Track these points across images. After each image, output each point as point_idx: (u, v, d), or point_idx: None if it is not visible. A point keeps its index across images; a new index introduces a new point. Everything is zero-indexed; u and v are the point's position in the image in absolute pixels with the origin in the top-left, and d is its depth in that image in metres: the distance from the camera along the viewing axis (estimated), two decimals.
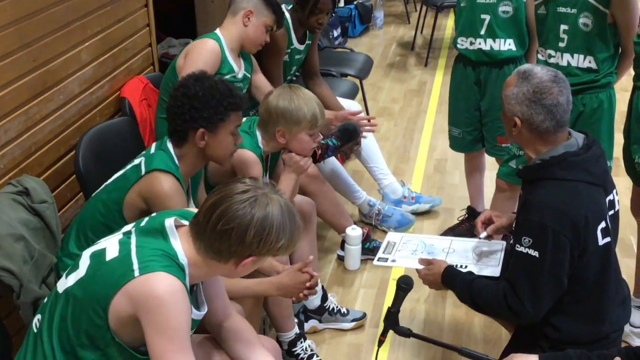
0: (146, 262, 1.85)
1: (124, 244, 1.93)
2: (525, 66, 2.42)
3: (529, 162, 2.43)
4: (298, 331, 2.98)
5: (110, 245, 1.96)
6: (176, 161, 2.49)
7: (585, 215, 2.26)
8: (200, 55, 3.17)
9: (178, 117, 2.45)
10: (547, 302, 2.33)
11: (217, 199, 1.89)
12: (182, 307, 1.83)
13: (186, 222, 1.99)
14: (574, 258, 2.28)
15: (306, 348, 2.98)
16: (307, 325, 3.24)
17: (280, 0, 3.53)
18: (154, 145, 2.59)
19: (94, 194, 2.61)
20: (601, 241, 2.32)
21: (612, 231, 2.39)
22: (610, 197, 2.42)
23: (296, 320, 3.04)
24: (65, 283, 1.97)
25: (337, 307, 3.29)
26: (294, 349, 2.96)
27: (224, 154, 2.54)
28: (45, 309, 1.99)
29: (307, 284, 2.56)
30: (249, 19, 3.28)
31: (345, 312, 3.30)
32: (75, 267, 1.98)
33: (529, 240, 2.28)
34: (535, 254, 2.27)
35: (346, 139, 3.30)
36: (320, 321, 3.27)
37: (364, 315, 3.34)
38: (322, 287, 3.27)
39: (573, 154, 2.34)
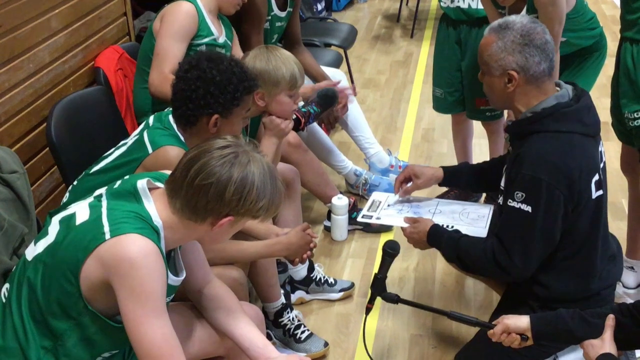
0: (117, 225, 1.76)
1: (95, 208, 1.84)
2: (497, 21, 2.35)
3: (518, 117, 2.35)
4: (284, 301, 2.90)
5: (80, 209, 1.87)
6: (183, 141, 2.35)
7: (580, 168, 2.21)
8: (176, 18, 3.04)
9: (191, 102, 2.27)
10: (537, 258, 2.27)
11: (195, 154, 1.81)
12: (156, 269, 1.74)
13: (160, 185, 1.91)
14: (568, 212, 2.22)
15: (293, 318, 2.90)
16: (294, 297, 3.17)
17: None
18: (152, 120, 2.44)
19: (89, 173, 2.47)
20: (594, 194, 2.26)
21: (603, 186, 2.33)
22: (601, 147, 2.36)
23: (282, 291, 2.96)
24: (34, 250, 1.88)
25: (324, 277, 3.22)
26: (280, 320, 2.88)
27: None
28: (14, 277, 1.90)
29: (311, 245, 2.60)
30: None
31: (333, 282, 3.23)
32: (44, 233, 1.89)
33: (522, 195, 2.22)
34: (528, 208, 2.21)
35: (326, 104, 3.22)
36: (307, 292, 3.20)
37: (352, 285, 3.27)
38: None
39: (565, 104, 2.27)
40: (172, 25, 3.02)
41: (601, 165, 2.34)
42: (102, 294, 1.78)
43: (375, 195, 2.84)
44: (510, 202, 2.25)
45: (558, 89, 2.34)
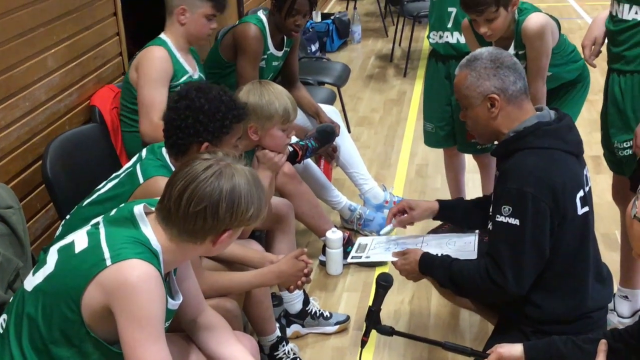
0: (118, 250, 1.78)
1: (93, 235, 1.87)
2: (464, 58, 2.45)
3: (503, 138, 2.41)
4: (280, 334, 2.90)
5: (78, 237, 1.90)
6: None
7: (562, 181, 2.25)
8: (151, 65, 3.09)
9: (181, 131, 2.30)
10: (529, 273, 2.28)
11: (182, 183, 1.83)
12: (156, 294, 1.77)
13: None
14: (554, 225, 2.26)
15: (288, 352, 2.90)
16: (290, 331, 3.16)
17: (257, 6, 3.49)
18: (145, 152, 2.48)
19: (82, 206, 2.50)
20: (580, 210, 2.30)
21: (589, 204, 2.37)
22: (586, 172, 2.41)
23: (278, 324, 2.96)
24: (33, 280, 1.89)
25: (319, 310, 3.22)
26: (275, 353, 2.88)
27: None
28: (12, 308, 1.91)
29: (305, 271, 2.57)
30: (184, 16, 3.18)
31: (328, 315, 3.23)
32: (43, 262, 1.91)
33: (509, 209, 2.25)
34: (516, 222, 2.24)
35: (324, 140, 3.27)
36: (302, 325, 3.19)
37: (348, 318, 3.26)
38: (304, 291, 3.20)
39: (546, 123, 2.35)
40: (149, 73, 3.06)
41: (587, 188, 2.38)
42: (104, 321, 1.80)
43: (361, 239, 2.86)
44: (498, 218, 2.28)
45: (539, 112, 2.42)
